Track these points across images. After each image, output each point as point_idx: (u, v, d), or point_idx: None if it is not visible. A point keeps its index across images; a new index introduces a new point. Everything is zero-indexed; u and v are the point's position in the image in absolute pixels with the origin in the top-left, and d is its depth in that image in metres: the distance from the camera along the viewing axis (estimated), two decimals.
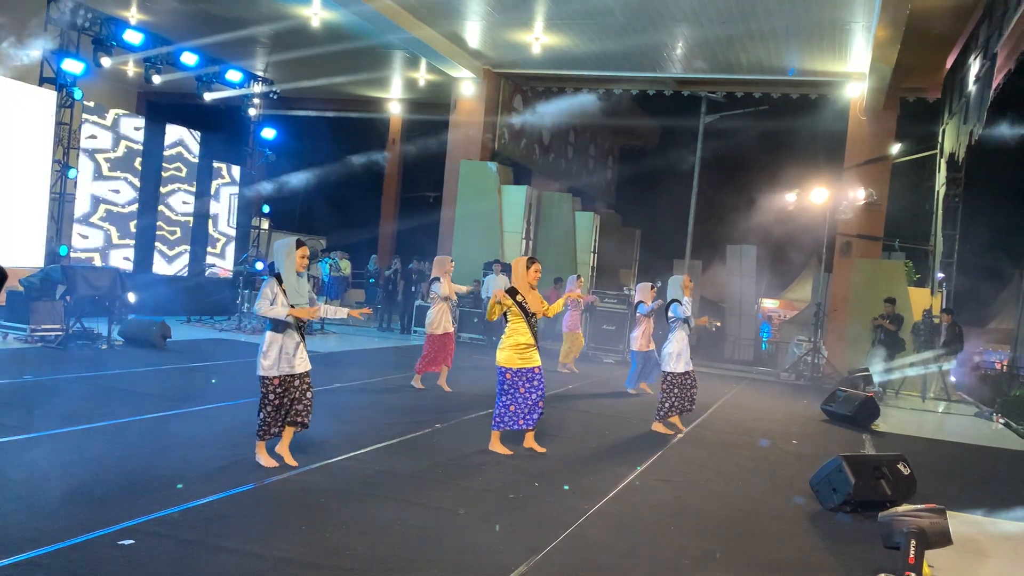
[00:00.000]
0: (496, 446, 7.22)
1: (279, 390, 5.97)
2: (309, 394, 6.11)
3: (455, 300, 10.80)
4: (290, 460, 6.10)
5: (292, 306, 5.95)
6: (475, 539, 4.95)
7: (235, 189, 18.82)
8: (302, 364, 6.07)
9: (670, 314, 9.07)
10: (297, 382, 6.04)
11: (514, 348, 7.09)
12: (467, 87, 19.65)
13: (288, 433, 6.15)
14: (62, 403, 7.69)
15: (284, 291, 5.94)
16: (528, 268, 7.20)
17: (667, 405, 8.98)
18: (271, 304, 5.93)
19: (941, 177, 17.09)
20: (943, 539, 4.86)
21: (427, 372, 10.62)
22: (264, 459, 6.05)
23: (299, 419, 6.07)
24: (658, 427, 9.03)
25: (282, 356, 5.97)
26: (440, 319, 10.44)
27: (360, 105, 25.46)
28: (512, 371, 7.08)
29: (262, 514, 5.06)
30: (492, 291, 16.77)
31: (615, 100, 21.49)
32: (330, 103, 25.44)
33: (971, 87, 13.08)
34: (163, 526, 4.65)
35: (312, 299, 6.14)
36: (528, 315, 7.11)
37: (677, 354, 8.97)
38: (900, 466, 6.56)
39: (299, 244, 6.06)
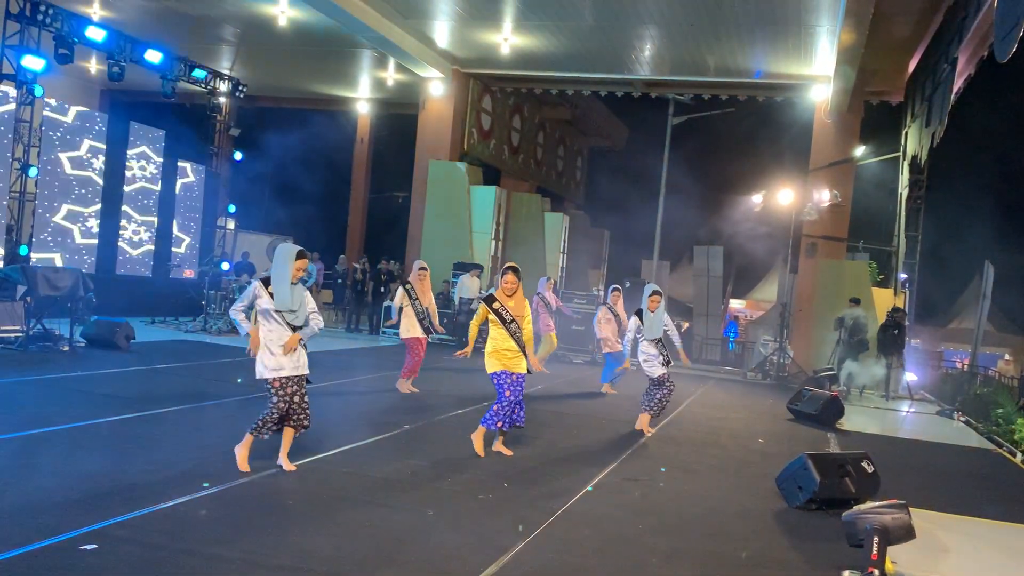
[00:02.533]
0: (477, 440, 7.26)
1: (282, 392, 5.90)
2: (306, 397, 6.03)
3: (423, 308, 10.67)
4: (288, 466, 6.07)
5: (279, 311, 5.86)
6: (444, 540, 4.93)
7: (200, 188, 18.59)
8: (301, 367, 6.00)
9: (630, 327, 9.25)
10: (295, 386, 5.96)
11: (497, 354, 7.11)
12: (436, 87, 19.59)
13: (288, 439, 6.08)
14: (22, 406, 7.55)
15: (271, 295, 5.85)
16: (502, 277, 7.22)
17: (652, 403, 9.16)
18: (242, 307, 5.95)
19: (904, 179, 17.38)
20: (906, 534, 4.93)
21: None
22: (241, 456, 5.98)
23: (293, 422, 5.99)
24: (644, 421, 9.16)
25: (276, 357, 5.89)
26: (410, 324, 10.40)
27: (328, 104, 25.30)
28: (502, 374, 7.09)
29: (228, 516, 5.00)
30: (466, 293, 16.77)
31: (584, 101, 21.58)
32: (297, 102, 25.25)
33: (932, 91, 13.32)
34: (127, 530, 4.57)
35: (305, 314, 5.98)
36: (506, 322, 7.11)
37: (646, 361, 9.12)
38: (864, 464, 6.65)
39: (300, 255, 5.89)
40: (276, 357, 5.89)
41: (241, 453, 6.02)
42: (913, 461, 9.26)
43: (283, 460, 6.08)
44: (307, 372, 6.07)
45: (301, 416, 6.02)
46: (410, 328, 10.40)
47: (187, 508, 5.05)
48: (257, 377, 5.97)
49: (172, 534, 4.57)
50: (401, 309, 10.46)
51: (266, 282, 5.90)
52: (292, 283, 5.86)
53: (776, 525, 6.03)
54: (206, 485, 5.49)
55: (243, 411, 8.20)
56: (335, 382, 10.88)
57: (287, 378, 5.93)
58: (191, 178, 18.39)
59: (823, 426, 10.82)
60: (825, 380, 13.31)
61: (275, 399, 5.90)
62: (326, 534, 4.83)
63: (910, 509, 5.00)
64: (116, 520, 4.67)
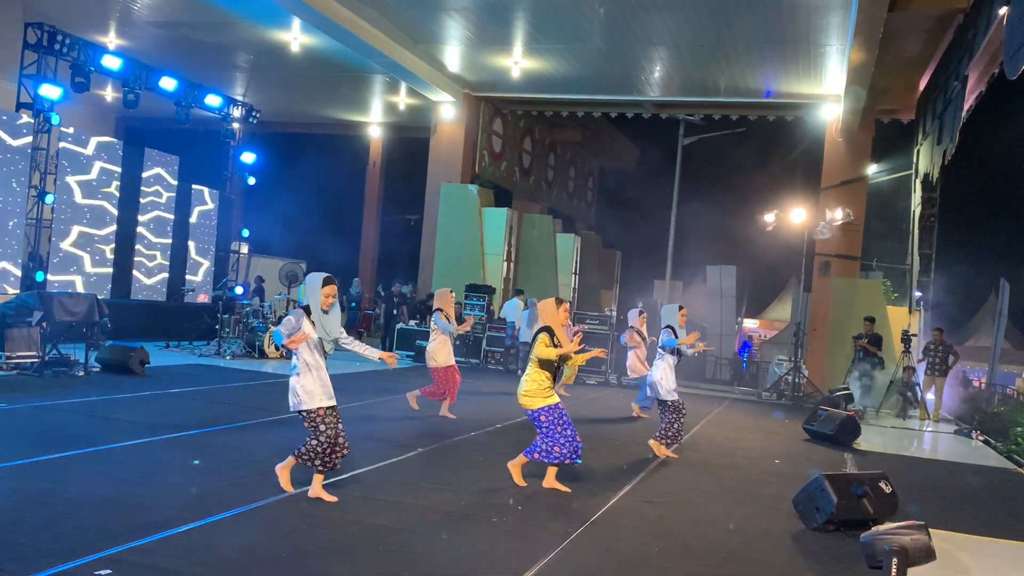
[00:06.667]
0: (552, 482, 7.00)
1: (328, 420, 5.88)
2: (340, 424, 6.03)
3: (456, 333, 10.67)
4: (328, 496, 5.98)
5: (320, 339, 5.90)
6: (459, 564, 4.91)
7: (214, 213, 18.73)
8: (333, 396, 6.01)
9: (661, 342, 9.12)
10: (337, 415, 5.97)
11: (540, 391, 6.96)
12: (447, 111, 19.73)
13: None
14: (38, 431, 7.58)
15: (313, 323, 5.88)
16: (558, 308, 7.11)
17: (670, 431, 8.98)
18: (286, 329, 5.85)
19: (916, 197, 17.34)
20: (925, 556, 4.88)
21: (426, 398, 10.57)
22: (284, 479, 6.03)
23: (342, 453, 5.99)
24: (655, 445, 8.99)
25: (322, 386, 5.90)
26: (443, 351, 10.37)
27: (340, 129, 25.51)
28: (545, 410, 6.95)
29: (241, 541, 4.99)
30: (512, 316, 16.70)
31: (594, 122, 21.67)
32: (310, 127, 25.47)
33: (943, 109, 13.31)
34: (141, 554, 4.57)
35: (338, 335, 6.02)
36: (562, 358, 7.04)
37: (667, 382, 9.02)
38: (882, 484, 6.59)
39: (327, 282, 5.94)
40: (321, 386, 5.90)
41: (283, 475, 6.05)
42: (931, 481, 9.16)
43: (320, 493, 5.96)
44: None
45: (344, 444, 6.01)
46: (447, 356, 10.36)
47: (201, 533, 5.04)
48: (303, 408, 5.84)
49: (186, 559, 4.57)
50: (431, 334, 10.51)
51: (307, 311, 5.93)
52: (323, 311, 5.91)
53: (794, 547, 5.96)
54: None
55: (258, 435, 8.22)
56: (345, 405, 10.86)
57: (331, 408, 5.93)
58: (209, 204, 18.52)
59: (839, 446, 10.72)
60: (840, 400, 13.20)
61: (322, 427, 5.86)
62: (339, 558, 4.81)
63: (929, 530, 4.94)
64: (131, 545, 4.68)
